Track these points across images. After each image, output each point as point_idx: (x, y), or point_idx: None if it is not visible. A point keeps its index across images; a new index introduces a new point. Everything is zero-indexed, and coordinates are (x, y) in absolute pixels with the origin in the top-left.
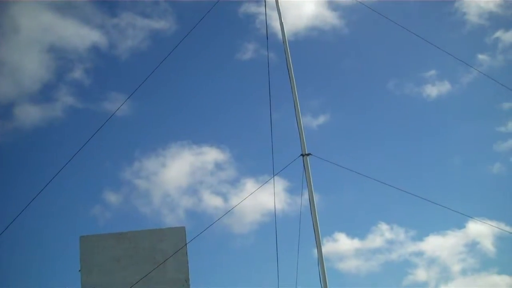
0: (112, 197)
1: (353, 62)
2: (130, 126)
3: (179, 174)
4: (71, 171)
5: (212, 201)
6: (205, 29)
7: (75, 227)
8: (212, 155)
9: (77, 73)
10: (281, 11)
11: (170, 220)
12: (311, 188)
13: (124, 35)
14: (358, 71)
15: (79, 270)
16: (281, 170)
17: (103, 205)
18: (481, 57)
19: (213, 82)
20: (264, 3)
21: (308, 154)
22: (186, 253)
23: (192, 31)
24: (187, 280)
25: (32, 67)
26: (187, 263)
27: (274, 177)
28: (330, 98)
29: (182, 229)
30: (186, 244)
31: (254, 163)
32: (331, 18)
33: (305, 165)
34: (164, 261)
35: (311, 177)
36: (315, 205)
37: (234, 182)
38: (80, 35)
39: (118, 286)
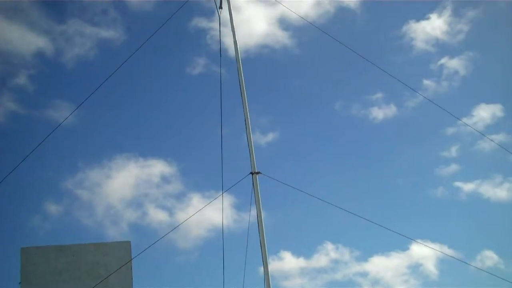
0: (52, 208)
1: (302, 81)
2: (74, 136)
3: (124, 186)
4: (11, 179)
5: (157, 215)
6: (156, 41)
7: (14, 238)
8: (158, 168)
9: (21, 79)
10: (234, 27)
11: (113, 233)
12: (260, 206)
13: (71, 43)
14: (307, 90)
15: (19, 283)
16: (230, 188)
17: (43, 216)
18: (426, 82)
19: (162, 95)
20: (218, 19)
21: (257, 173)
22: (131, 268)
23: (141, 41)
24: None
25: None
26: (132, 278)
27: (222, 193)
28: (279, 116)
29: (128, 243)
30: (131, 259)
31: (201, 178)
32: (282, 37)
33: (254, 184)
34: (108, 276)
35: (259, 196)
36: (263, 224)
37: (180, 196)
38: (25, 40)
39: None
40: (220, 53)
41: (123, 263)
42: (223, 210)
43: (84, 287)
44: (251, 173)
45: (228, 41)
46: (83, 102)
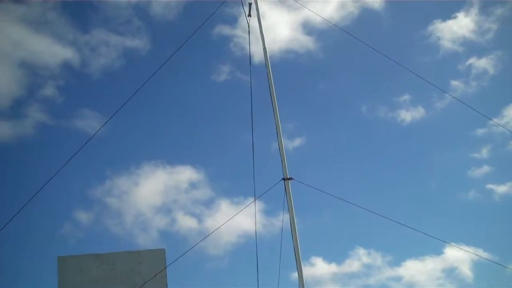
0: (83, 216)
1: (328, 85)
2: (102, 144)
3: (152, 193)
4: (43, 188)
5: (186, 222)
6: (180, 49)
7: (47, 247)
8: (186, 174)
9: (49, 90)
10: (263, 35)
11: (143, 241)
12: (293, 213)
13: (97, 52)
14: (332, 94)
15: None
16: (262, 194)
17: (74, 224)
18: (454, 83)
19: (188, 103)
20: (248, 27)
21: (289, 179)
22: (166, 275)
23: (168, 51)
24: None
25: (3, 82)
26: (167, 286)
27: (252, 199)
28: (305, 121)
29: (162, 251)
30: (166, 267)
31: (229, 184)
32: (306, 41)
33: (286, 190)
34: (143, 284)
35: (292, 202)
36: (296, 230)
37: (209, 203)
38: (52, 51)
39: None
40: (250, 60)
41: (157, 270)
42: (256, 217)
43: None
44: (283, 179)
45: (253, 48)
46: (114, 114)
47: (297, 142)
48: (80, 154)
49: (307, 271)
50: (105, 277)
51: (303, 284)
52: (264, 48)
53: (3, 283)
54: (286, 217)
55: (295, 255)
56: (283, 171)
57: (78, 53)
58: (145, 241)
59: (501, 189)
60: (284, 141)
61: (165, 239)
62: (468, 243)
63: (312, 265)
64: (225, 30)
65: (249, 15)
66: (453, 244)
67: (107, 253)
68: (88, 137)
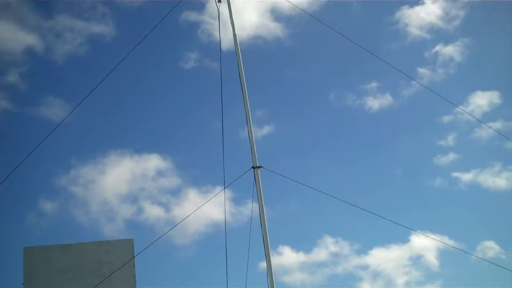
0: (48, 205)
1: (296, 73)
2: (67, 133)
3: (118, 181)
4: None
5: (154, 211)
6: (147, 36)
7: (12, 236)
8: (153, 162)
9: (12, 77)
10: (233, 21)
11: (109, 231)
12: (262, 201)
13: (61, 39)
14: (301, 82)
15: (22, 283)
16: (231, 183)
17: (39, 214)
18: (421, 70)
19: (155, 91)
20: (218, 13)
21: (259, 167)
22: (134, 265)
23: (134, 38)
24: None
25: None
26: (135, 275)
27: (220, 188)
28: (274, 109)
29: (130, 241)
30: (134, 257)
31: (197, 172)
32: (274, 28)
33: (255, 178)
34: (111, 274)
35: (261, 191)
36: (265, 219)
37: (176, 192)
38: (15, 37)
39: None
40: (220, 47)
41: (125, 260)
42: (225, 207)
43: (87, 286)
44: (252, 167)
45: (221, 34)
46: (81, 102)
47: (266, 130)
48: (45, 142)
49: (275, 260)
50: (72, 268)
51: (272, 273)
52: (234, 35)
53: None
54: (255, 205)
55: (264, 244)
56: (253, 159)
57: (41, 39)
58: (112, 231)
59: (467, 177)
60: (253, 129)
61: (132, 229)
62: (434, 230)
63: (280, 254)
64: (192, 16)
65: (219, 0)
66: (419, 231)
67: (75, 244)
68: (53, 125)
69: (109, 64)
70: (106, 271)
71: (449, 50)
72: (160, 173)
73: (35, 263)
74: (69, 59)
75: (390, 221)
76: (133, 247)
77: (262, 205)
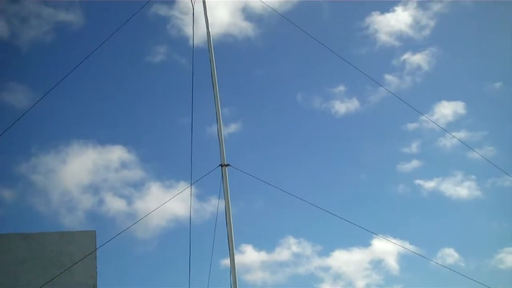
0: (6, 193)
1: (265, 72)
2: (29, 120)
3: (80, 171)
4: None
5: (115, 204)
6: (115, 27)
7: None
8: (117, 154)
9: None
10: (207, 17)
11: (70, 221)
12: (228, 199)
13: (27, 24)
14: (269, 81)
15: None
16: (199, 179)
17: None
18: (388, 77)
19: (122, 83)
20: (192, 9)
21: (227, 165)
22: (96, 257)
23: (102, 28)
24: (94, 286)
25: None
26: (96, 267)
27: (184, 183)
28: (242, 107)
29: (93, 233)
30: (96, 249)
31: (161, 166)
32: (245, 27)
33: (223, 176)
34: (72, 265)
35: (228, 189)
36: (231, 218)
37: (139, 185)
38: None
39: None
40: (193, 43)
41: (87, 252)
42: (191, 203)
43: (47, 276)
44: (220, 165)
45: (190, 30)
46: (49, 91)
47: (233, 128)
48: (6, 129)
49: (237, 258)
50: (33, 257)
51: (235, 271)
52: (208, 32)
53: None
54: (221, 202)
55: (229, 242)
56: (221, 157)
57: (7, 24)
58: (72, 222)
59: (429, 184)
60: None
61: (93, 220)
62: (395, 235)
63: (242, 252)
64: (162, 10)
65: None
66: (380, 235)
67: (36, 233)
68: (16, 111)
69: (76, 52)
70: (67, 262)
71: (417, 59)
72: (123, 165)
73: None
74: (34, 46)
75: (353, 223)
76: (95, 239)
77: (229, 203)
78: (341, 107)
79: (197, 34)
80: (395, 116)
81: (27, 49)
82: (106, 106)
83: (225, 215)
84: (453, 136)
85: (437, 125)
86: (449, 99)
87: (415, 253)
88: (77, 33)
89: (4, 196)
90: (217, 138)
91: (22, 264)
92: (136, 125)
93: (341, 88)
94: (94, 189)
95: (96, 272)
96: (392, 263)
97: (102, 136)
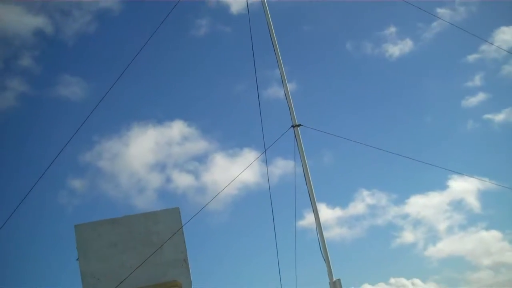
0: (77, 183)
1: (312, 27)
2: (88, 110)
3: (144, 151)
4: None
5: (183, 179)
6: (153, 10)
7: (48, 217)
8: (177, 128)
9: (25, 60)
10: None
11: (142, 202)
12: (305, 159)
13: (70, 17)
14: (317, 36)
15: (77, 259)
16: (273, 143)
17: (70, 192)
18: (440, 11)
19: (171, 61)
20: None
21: (298, 125)
22: (183, 233)
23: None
24: (185, 260)
25: None
26: (184, 243)
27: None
28: (293, 66)
29: (177, 210)
30: (183, 225)
31: (222, 135)
32: None
33: (296, 137)
34: (163, 244)
35: (303, 148)
36: (310, 176)
37: (203, 158)
38: (23, 20)
39: (118, 270)
40: (248, 9)
41: (174, 229)
42: (267, 169)
43: (140, 256)
44: (292, 126)
45: None
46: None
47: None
48: (67, 122)
49: (311, 218)
50: (123, 241)
51: (321, 228)
52: None
53: (17, 259)
54: (291, 164)
55: (311, 200)
56: (292, 118)
57: (50, 20)
58: (144, 202)
59: (499, 117)
60: (275, 89)
61: (163, 198)
62: (471, 173)
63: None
64: None
65: None
66: (463, 173)
67: (122, 217)
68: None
69: (120, 38)
70: (156, 241)
71: None
72: (185, 139)
73: (87, 239)
74: (79, 37)
75: (428, 164)
76: (180, 216)
77: (306, 163)
78: (395, 50)
79: (236, 1)
80: (453, 50)
81: (73, 41)
82: (159, 85)
83: (303, 174)
84: None
85: (503, 49)
86: (509, 24)
87: (499, 185)
88: (118, 20)
89: (75, 186)
90: (281, 100)
91: (114, 247)
92: (192, 98)
93: (392, 29)
94: (160, 167)
95: (185, 247)
96: (472, 201)
97: (160, 114)
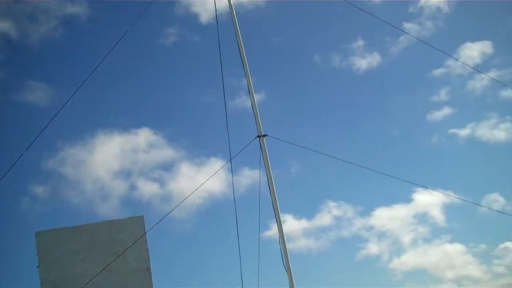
0: (39, 189)
1: (280, 39)
2: (50, 116)
3: (109, 157)
4: None
5: (148, 187)
6: (122, 16)
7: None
8: (143, 136)
9: None
10: None
11: (106, 210)
12: (269, 169)
13: (35, 22)
14: (286, 47)
15: (37, 266)
16: (238, 153)
17: (32, 198)
18: (407, 25)
19: (138, 70)
20: None
21: (264, 135)
22: (146, 241)
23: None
24: (148, 269)
25: None
26: (147, 251)
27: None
28: (261, 77)
29: (141, 218)
30: (145, 233)
31: (189, 144)
32: None
33: (262, 147)
34: (124, 251)
35: (268, 158)
36: (274, 187)
37: (169, 166)
38: None
39: (79, 279)
40: (217, 19)
41: (137, 237)
42: (233, 177)
43: (101, 265)
44: (258, 136)
45: (197, 8)
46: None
47: (257, 98)
48: (31, 127)
49: (277, 228)
50: (85, 248)
51: (284, 239)
52: (230, 5)
53: None
54: (257, 173)
55: (274, 209)
56: (257, 128)
57: (15, 24)
58: (108, 210)
59: (464, 132)
60: (243, 98)
61: (127, 206)
62: (435, 187)
63: (282, 222)
64: None
65: None
66: (427, 187)
67: (85, 225)
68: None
69: (87, 45)
70: (119, 249)
71: (435, 2)
72: (151, 146)
73: (48, 246)
74: (45, 42)
75: (394, 177)
76: (143, 224)
77: (270, 173)
78: (362, 63)
79: (205, 10)
80: (420, 64)
81: (38, 46)
82: (126, 92)
83: (267, 185)
84: (486, 75)
85: (469, 66)
86: (474, 39)
87: (463, 200)
88: (85, 25)
89: (38, 192)
90: (248, 110)
91: (75, 255)
92: (159, 106)
93: (360, 42)
94: (125, 174)
95: (148, 256)
96: (437, 214)
97: (126, 122)
